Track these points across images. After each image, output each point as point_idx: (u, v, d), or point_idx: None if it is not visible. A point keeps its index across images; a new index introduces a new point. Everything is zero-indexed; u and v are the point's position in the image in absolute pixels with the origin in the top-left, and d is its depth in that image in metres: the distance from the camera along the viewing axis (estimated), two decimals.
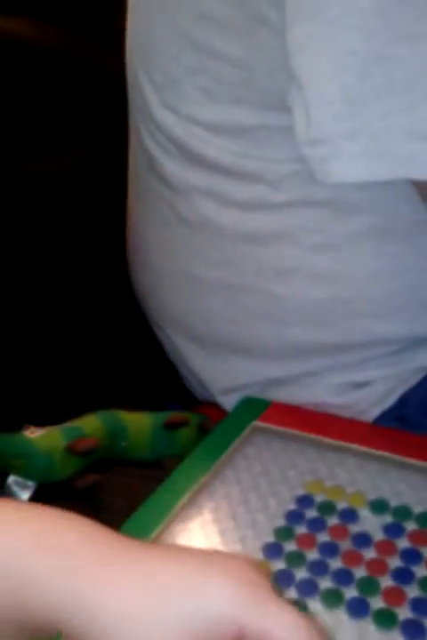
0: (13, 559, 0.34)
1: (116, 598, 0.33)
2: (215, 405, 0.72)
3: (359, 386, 0.65)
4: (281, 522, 0.55)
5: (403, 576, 0.49)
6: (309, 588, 0.49)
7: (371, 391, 0.64)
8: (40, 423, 0.64)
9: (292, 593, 0.49)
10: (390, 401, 0.64)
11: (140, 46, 0.69)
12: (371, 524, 0.54)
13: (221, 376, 0.70)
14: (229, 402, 0.69)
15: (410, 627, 0.45)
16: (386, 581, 0.49)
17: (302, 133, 0.53)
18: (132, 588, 0.33)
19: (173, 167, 0.66)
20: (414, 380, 0.64)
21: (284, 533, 0.54)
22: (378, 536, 0.52)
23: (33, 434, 0.63)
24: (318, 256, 0.62)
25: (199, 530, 0.55)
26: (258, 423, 0.65)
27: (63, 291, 0.78)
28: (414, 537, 0.52)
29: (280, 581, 0.50)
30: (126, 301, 0.79)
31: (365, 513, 0.55)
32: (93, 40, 0.81)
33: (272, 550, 0.52)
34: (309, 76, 0.52)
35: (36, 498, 0.61)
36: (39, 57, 0.78)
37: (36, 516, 0.36)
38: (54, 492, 0.62)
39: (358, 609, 0.47)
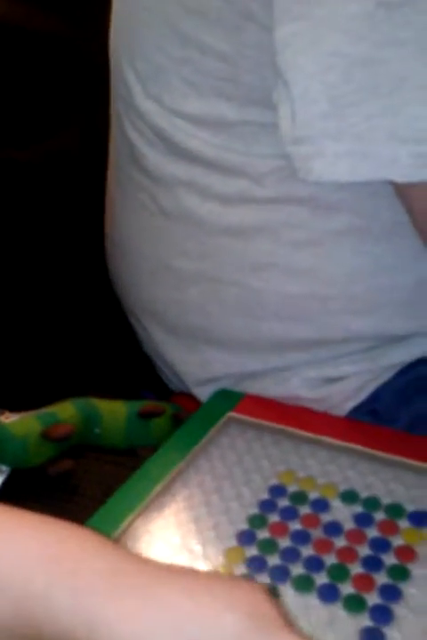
0: (19, 571, 0.34)
1: (126, 622, 0.33)
2: (189, 396, 0.73)
3: (333, 381, 0.66)
4: (254, 510, 0.56)
5: (372, 564, 0.51)
6: (281, 573, 0.50)
7: (344, 386, 0.66)
8: (14, 408, 0.65)
9: (264, 578, 0.50)
10: (362, 396, 0.66)
11: (124, 35, 0.69)
12: (342, 513, 0.55)
13: (196, 368, 0.70)
14: (203, 393, 0.70)
15: (378, 612, 0.47)
16: (356, 568, 0.50)
17: (286, 131, 0.53)
18: (145, 615, 0.34)
19: (154, 158, 0.66)
20: (386, 376, 0.66)
21: (257, 521, 0.55)
22: (348, 525, 0.54)
23: (7, 419, 0.63)
24: (297, 252, 0.63)
25: (173, 517, 0.56)
26: (232, 414, 0.66)
27: (41, 278, 0.78)
28: (383, 527, 0.54)
29: (253, 567, 0.51)
30: (103, 290, 0.79)
31: (336, 503, 0.56)
32: (80, 27, 0.81)
33: (246, 537, 0.54)
34: (295, 73, 0.52)
35: (10, 483, 0.61)
36: (25, 43, 0.78)
37: (42, 529, 0.36)
38: (28, 478, 0.62)
39: (328, 594, 0.49)
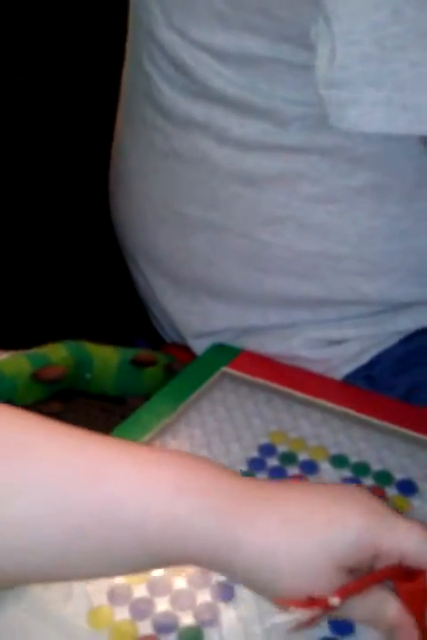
0: (160, 499, 0.37)
1: (257, 534, 0.37)
2: (183, 348, 0.73)
3: (335, 343, 0.66)
4: (243, 468, 0.57)
5: None
6: None
7: (345, 349, 0.66)
8: (5, 346, 0.65)
9: None
10: (362, 360, 0.66)
11: None
12: (330, 476, 0.56)
13: (196, 319, 0.70)
14: (200, 346, 0.70)
15: None
16: None
17: (322, 72, 0.51)
18: (273, 524, 0.37)
19: (171, 95, 0.65)
20: (388, 343, 0.66)
21: None
22: None
23: None
24: (313, 207, 0.62)
25: None
26: (227, 369, 0.67)
27: (38, 213, 0.78)
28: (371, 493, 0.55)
29: None
30: (102, 230, 0.79)
31: (325, 466, 0.57)
32: None
33: None
34: (338, 9, 0.49)
35: None
36: None
37: (168, 460, 0.38)
38: None
39: None
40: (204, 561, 0.38)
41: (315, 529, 0.37)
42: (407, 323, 0.66)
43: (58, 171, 0.78)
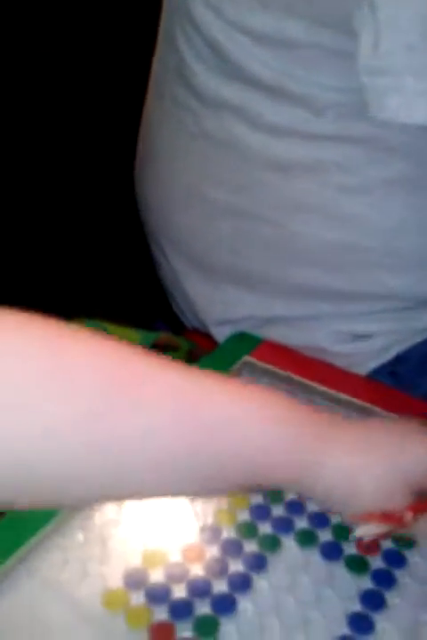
0: (243, 422, 0.40)
1: (340, 456, 0.42)
2: (204, 334, 0.72)
3: (360, 337, 0.66)
4: None
5: None
6: (284, 525, 0.51)
7: (370, 344, 0.65)
8: None
9: (267, 528, 0.50)
10: (387, 356, 0.65)
11: None
12: None
13: (219, 306, 0.69)
14: (222, 333, 0.70)
15: (381, 576, 0.47)
16: None
17: (365, 59, 0.51)
18: (353, 448, 0.42)
19: (205, 76, 0.64)
20: (415, 340, 0.65)
21: None
22: None
23: None
24: (344, 198, 0.61)
25: None
26: (248, 358, 0.66)
27: (63, 189, 0.77)
28: None
29: (256, 515, 0.51)
30: (127, 211, 0.78)
31: None
32: None
33: None
34: None
35: None
36: None
37: (250, 394, 0.42)
38: None
39: (331, 552, 0.49)
40: (290, 482, 0.42)
41: (390, 452, 0.43)
42: None
43: (83, 148, 0.78)
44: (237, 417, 0.40)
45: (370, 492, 0.42)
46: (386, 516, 0.42)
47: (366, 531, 0.43)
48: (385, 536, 0.43)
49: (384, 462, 0.42)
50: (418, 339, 0.65)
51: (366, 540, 0.44)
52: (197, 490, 0.42)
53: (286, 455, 0.41)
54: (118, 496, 0.42)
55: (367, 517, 0.42)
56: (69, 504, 0.41)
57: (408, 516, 0.42)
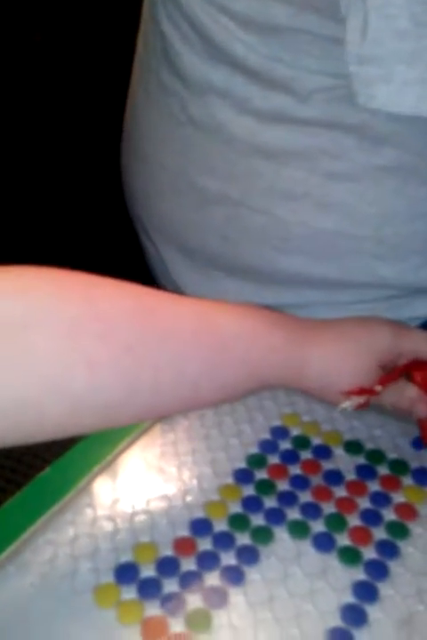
0: (251, 331, 0.49)
1: (323, 348, 0.51)
2: None
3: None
4: (254, 449, 0.56)
5: (371, 518, 0.51)
6: (276, 516, 0.51)
7: None
8: None
9: (259, 520, 0.51)
10: None
11: None
12: (344, 463, 0.56)
13: (208, 295, 0.69)
14: None
15: (374, 567, 0.47)
16: (354, 521, 0.51)
17: (353, 47, 0.50)
18: (332, 339, 0.52)
19: (190, 59, 0.63)
20: None
21: (256, 461, 0.55)
22: (350, 476, 0.54)
23: None
24: (333, 185, 0.61)
25: (171, 447, 0.57)
26: None
27: (51, 181, 0.77)
28: (385, 481, 0.54)
29: (248, 507, 0.51)
30: (113, 199, 0.78)
31: (339, 452, 0.57)
32: None
33: (243, 476, 0.54)
34: None
35: None
36: None
37: (254, 309, 0.51)
38: None
39: (323, 543, 0.49)
40: (288, 378, 0.51)
41: (362, 338, 0.53)
42: (424, 309, 0.65)
43: (68, 136, 0.77)
44: (240, 332, 0.48)
45: (347, 374, 0.52)
46: (362, 390, 0.52)
47: (348, 404, 0.53)
48: (364, 405, 0.53)
49: (357, 347, 0.52)
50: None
51: (350, 410, 0.53)
52: (211, 400, 0.49)
53: (280, 356, 0.50)
54: (154, 414, 0.50)
55: (347, 393, 0.52)
56: (116, 424, 0.47)
57: (378, 387, 0.53)
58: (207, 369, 0.47)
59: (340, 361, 0.52)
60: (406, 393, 0.55)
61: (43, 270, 0.42)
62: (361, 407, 0.53)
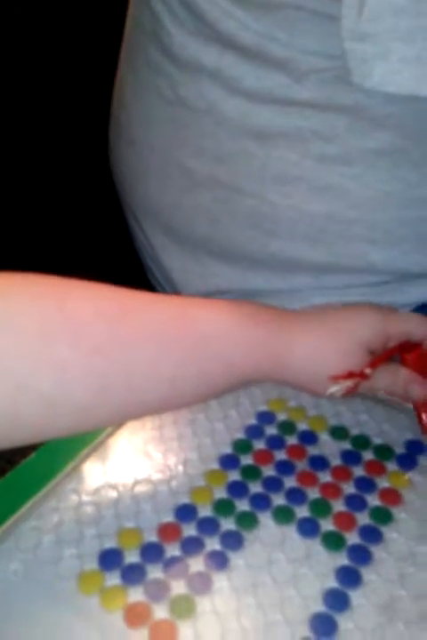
0: (236, 328, 0.49)
1: (306, 336, 0.51)
2: None
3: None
4: (240, 435, 0.57)
5: (355, 503, 0.51)
6: (262, 502, 0.51)
7: None
8: None
9: (244, 506, 0.51)
10: None
11: None
12: (329, 448, 0.56)
13: (197, 279, 0.69)
14: None
15: (357, 552, 0.48)
16: (338, 506, 0.51)
17: (349, 23, 0.49)
18: (315, 327, 0.52)
19: (181, 38, 0.61)
20: None
21: (242, 446, 0.55)
22: (335, 461, 0.55)
23: None
24: (325, 168, 0.60)
25: (157, 431, 0.57)
26: None
27: (37, 164, 0.76)
28: (370, 467, 0.54)
29: (234, 492, 0.52)
30: (101, 183, 0.77)
31: (325, 437, 0.57)
32: None
33: (229, 461, 0.54)
34: None
35: None
36: None
37: (233, 302, 0.51)
38: None
39: (307, 529, 0.49)
40: (271, 371, 0.51)
41: (345, 323, 0.52)
42: (414, 295, 0.65)
43: (54, 119, 0.76)
44: (217, 325, 0.48)
45: (334, 360, 0.52)
46: (351, 374, 0.52)
47: (336, 388, 0.52)
48: (354, 389, 0.53)
49: (344, 333, 0.52)
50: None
51: (338, 395, 0.53)
52: (192, 396, 0.49)
53: (259, 347, 0.49)
54: (132, 414, 0.49)
55: (335, 378, 0.52)
56: (92, 426, 0.47)
57: (368, 371, 0.53)
58: (183, 364, 0.46)
59: (324, 347, 0.52)
60: (399, 376, 0.55)
61: (14, 275, 0.43)
62: (350, 391, 0.53)
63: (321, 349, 0.52)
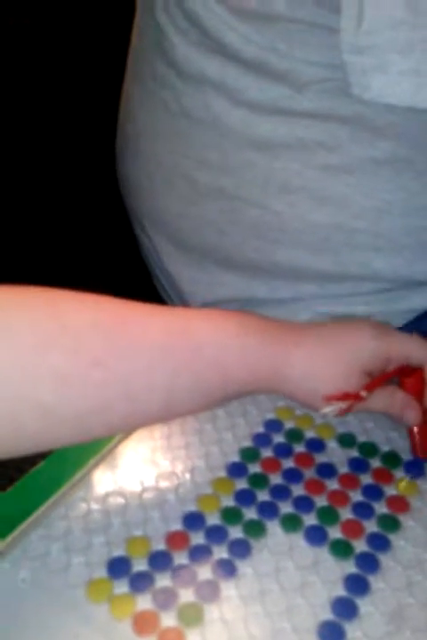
0: (227, 338, 0.49)
1: (303, 352, 0.51)
2: None
3: (343, 319, 0.66)
4: (248, 443, 0.57)
5: (363, 511, 0.51)
6: (269, 510, 0.51)
7: None
8: None
9: (252, 514, 0.51)
10: None
11: None
12: (337, 456, 0.56)
13: (203, 288, 0.69)
14: None
15: (365, 560, 0.48)
16: (346, 514, 0.51)
17: (348, 36, 0.50)
18: (313, 343, 0.51)
19: (185, 50, 0.62)
20: (399, 322, 0.65)
21: (249, 454, 0.56)
22: (343, 469, 0.55)
23: None
24: (329, 177, 0.61)
25: (165, 440, 0.57)
26: None
27: (45, 173, 0.77)
28: (377, 474, 0.54)
29: (241, 501, 0.52)
30: (108, 192, 0.78)
31: (332, 445, 0.57)
32: None
33: (236, 469, 0.54)
34: None
35: None
36: None
37: (229, 313, 0.50)
38: None
39: (315, 536, 0.50)
40: (268, 381, 0.50)
41: (343, 345, 0.52)
42: (418, 302, 0.65)
43: (63, 128, 0.77)
44: (213, 335, 0.48)
45: (330, 378, 0.51)
46: (346, 395, 0.51)
47: (330, 409, 0.52)
48: (347, 410, 0.52)
49: (342, 352, 0.51)
50: (402, 321, 0.65)
51: (332, 415, 0.52)
52: (189, 405, 0.49)
53: (255, 357, 0.49)
54: (131, 423, 0.49)
55: (329, 398, 0.51)
56: (93, 436, 0.47)
57: (364, 393, 0.52)
58: (179, 373, 0.47)
59: (320, 364, 0.51)
60: (395, 399, 0.55)
61: (11, 287, 0.43)
62: (344, 412, 0.52)
63: (318, 367, 0.51)
